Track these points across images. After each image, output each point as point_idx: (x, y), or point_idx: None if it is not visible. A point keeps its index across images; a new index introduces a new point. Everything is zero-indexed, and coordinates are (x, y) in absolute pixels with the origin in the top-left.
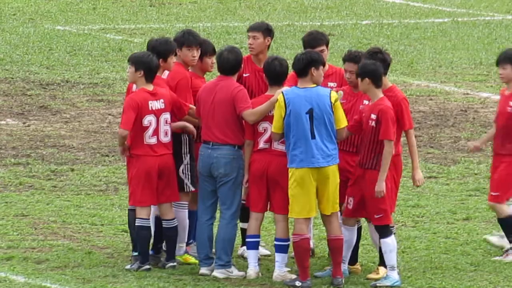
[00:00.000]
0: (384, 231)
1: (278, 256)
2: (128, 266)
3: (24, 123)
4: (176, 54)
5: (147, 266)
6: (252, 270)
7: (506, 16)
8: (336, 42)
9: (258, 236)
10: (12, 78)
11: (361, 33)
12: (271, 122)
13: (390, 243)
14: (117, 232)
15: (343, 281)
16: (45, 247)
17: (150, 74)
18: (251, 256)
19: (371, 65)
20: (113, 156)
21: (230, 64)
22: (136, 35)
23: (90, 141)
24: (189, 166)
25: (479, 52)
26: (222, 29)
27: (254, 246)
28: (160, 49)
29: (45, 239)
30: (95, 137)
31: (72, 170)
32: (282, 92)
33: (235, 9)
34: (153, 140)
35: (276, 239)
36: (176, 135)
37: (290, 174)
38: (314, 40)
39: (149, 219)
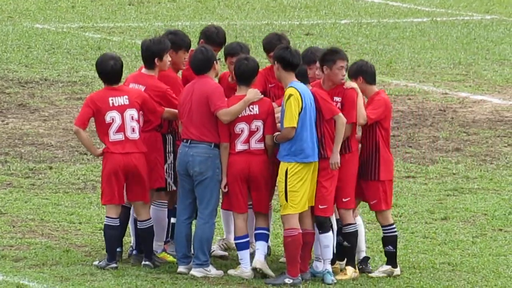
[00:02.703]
0: (327, 224)
1: (259, 244)
2: (95, 262)
3: (2, 121)
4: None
5: (114, 265)
6: (249, 270)
7: (485, 16)
8: (315, 42)
9: (247, 236)
10: None
11: (339, 33)
12: (248, 122)
13: (332, 236)
14: (95, 230)
15: (310, 275)
16: (23, 245)
17: (106, 76)
18: (245, 256)
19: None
20: (91, 154)
21: (200, 63)
22: (115, 34)
23: (69, 139)
24: (172, 165)
25: (458, 52)
26: (201, 28)
27: (246, 246)
28: (155, 49)
29: (23, 237)
30: (74, 135)
31: (51, 168)
32: (295, 87)
33: (214, 8)
34: (118, 137)
35: (257, 228)
36: (162, 134)
37: (293, 170)
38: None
39: (117, 218)
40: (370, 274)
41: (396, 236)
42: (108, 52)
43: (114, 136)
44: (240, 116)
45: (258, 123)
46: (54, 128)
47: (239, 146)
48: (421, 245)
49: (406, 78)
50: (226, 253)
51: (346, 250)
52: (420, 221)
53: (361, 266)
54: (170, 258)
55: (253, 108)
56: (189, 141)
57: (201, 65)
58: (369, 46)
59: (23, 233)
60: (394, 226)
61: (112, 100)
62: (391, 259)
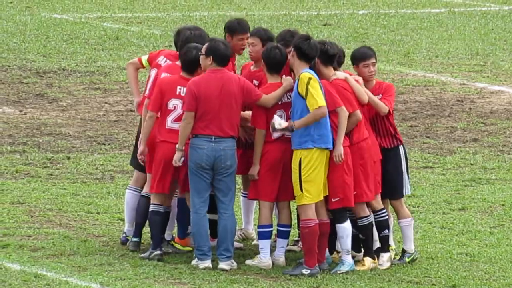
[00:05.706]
0: (340, 215)
1: (282, 242)
2: (141, 255)
3: (20, 111)
4: None
5: (159, 252)
6: (268, 259)
7: (502, 7)
8: (332, 32)
9: (271, 225)
10: (9, 66)
11: (357, 23)
12: (286, 110)
13: (347, 227)
14: (112, 220)
15: (327, 265)
16: (41, 235)
17: (182, 64)
18: (266, 245)
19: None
20: (109, 144)
21: (228, 55)
22: (133, 24)
23: (87, 129)
24: None
25: (475, 43)
26: (219, 18)
27: (268, 235)
28: (196, 42)
29: (41, 227)
30: (92, 125)
31: (68, 158)
32: (310, 72)
33: None
34: (175, 126)
35: (280, 225)
36: None
37: (307, 158)
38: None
39: (162, 205)
40: (381, 268)
41: (388, 219)
42: (194, 44)
43: (171, 124)
44: (279, 103)
45: None
46: (72, 118)
47: (275, 134)
48: (439, 235)
49: (424, 68)
50: (241, 245)
51: (362, 242)
52: (438, 211)
53: None
54: (179, 246)
55: (290, 96)
56: (212, 137)
57: (227, 58)
58: (387, 36)
59: (41, 223)
60: (385, 209)
61: (180, 89)
62: (386, 243)
